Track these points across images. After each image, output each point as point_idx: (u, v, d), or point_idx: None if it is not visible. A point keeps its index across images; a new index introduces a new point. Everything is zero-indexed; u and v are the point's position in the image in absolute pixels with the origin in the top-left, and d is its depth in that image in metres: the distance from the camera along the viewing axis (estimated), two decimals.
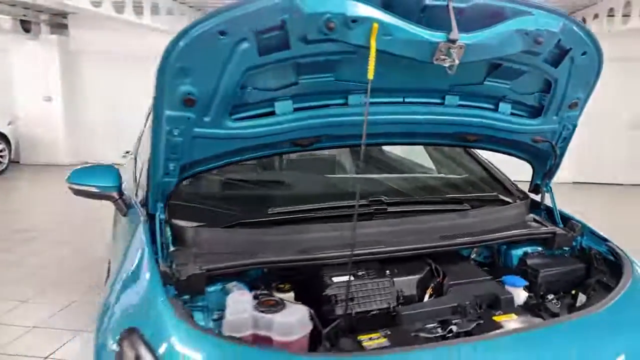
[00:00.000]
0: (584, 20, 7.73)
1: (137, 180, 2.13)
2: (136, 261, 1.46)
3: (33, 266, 3.80)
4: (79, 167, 2.14)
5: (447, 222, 1.76)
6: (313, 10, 1.17)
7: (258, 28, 1.20)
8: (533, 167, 1.98)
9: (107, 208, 2.26)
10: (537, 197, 2.04)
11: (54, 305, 3.11)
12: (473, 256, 1.82)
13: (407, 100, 1.56)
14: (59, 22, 8.59)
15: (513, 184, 2.16)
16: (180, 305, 1.22)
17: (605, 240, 1.75)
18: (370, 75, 1.23)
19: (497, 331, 1.30)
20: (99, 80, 8.56)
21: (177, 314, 1.17)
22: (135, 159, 2.70)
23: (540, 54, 1.45)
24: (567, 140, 1.80)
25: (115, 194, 1.97)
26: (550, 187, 1.97)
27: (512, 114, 1.68)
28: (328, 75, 1.38)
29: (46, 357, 2.56)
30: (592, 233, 1.81)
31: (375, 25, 1.20)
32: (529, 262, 1.69)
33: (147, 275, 1.33)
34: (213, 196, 1.97)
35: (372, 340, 1.26)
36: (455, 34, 1.24)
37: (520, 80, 1.58)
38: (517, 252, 1.78)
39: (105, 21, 7.01)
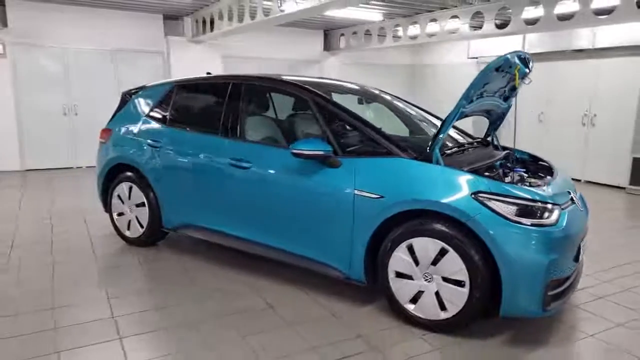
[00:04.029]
0: (342, 34, 10.74)
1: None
2: (440, 174, 2.91)
3: None
4: (302, 139, 3.20)
5: (486, 151, 3.76)
6: (512, 60, 3.03)
7: (496, 66, 2.95)
8: (491, 125, 4.16)
9: None
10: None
11: None
12: None
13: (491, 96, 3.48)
14: None
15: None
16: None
17: (528, 153, 4.09)
18: (517, 84, 3.16)
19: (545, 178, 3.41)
20: None
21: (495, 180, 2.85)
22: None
23: None
24: (508, 111, 4.05)
25: (332, 154, 3.19)
26: (496, 134, 4.21)
27: (503, 100, 3.82)
28: (486, 85, 3.19)
29: None
30: (520, 151, 4.14)
31: (518, 66, 3.13)
32: (508, 165, 3.87)
33: (458, 173, 2.88)
34: None
35: None
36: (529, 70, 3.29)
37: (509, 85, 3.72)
38: (497, 163, 3.93)
39: None
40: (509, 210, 2.73)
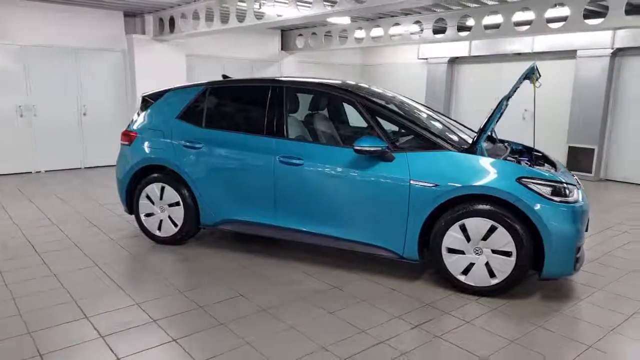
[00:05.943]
0: (300, 34, 11.11)
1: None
2: (488, 164, 3.46)
3: None
4: (362, 137, 3.59)
5: (497, 144, 4.40)
6: (534, 67, 3.66)
7: (527, 73, 3.57)
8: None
9: None
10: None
11: None
12: None
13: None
14: None
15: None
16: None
17: (522, 144, 4.79)
18: (535, 86, 3.80)
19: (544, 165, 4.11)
20: None
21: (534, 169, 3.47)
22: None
23: None
24: (506, 108, 4.72)
25: (388, 150, 3.63)
26: (495, 130, 4.87)
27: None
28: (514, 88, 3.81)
29: None
30: (515, 143, 4.83)
31: (535, 73, 3.78)
32: (512, 155, 4.55)
33: (501, 163, 3.44)
34: None
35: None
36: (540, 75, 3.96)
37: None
38: (509, 153, 4.59)
39: None
40: (546, 190, 3.35)
